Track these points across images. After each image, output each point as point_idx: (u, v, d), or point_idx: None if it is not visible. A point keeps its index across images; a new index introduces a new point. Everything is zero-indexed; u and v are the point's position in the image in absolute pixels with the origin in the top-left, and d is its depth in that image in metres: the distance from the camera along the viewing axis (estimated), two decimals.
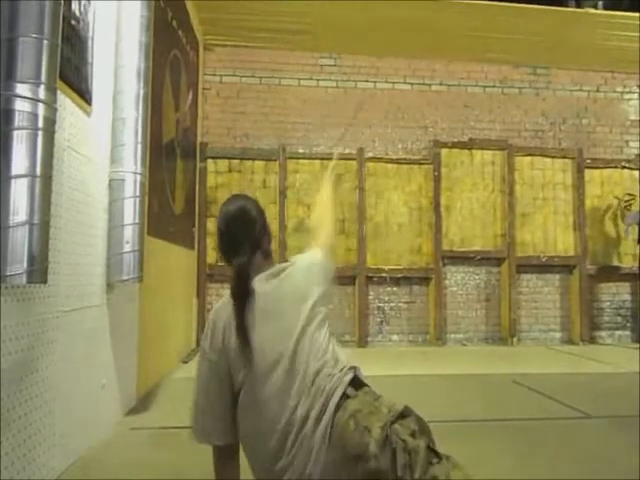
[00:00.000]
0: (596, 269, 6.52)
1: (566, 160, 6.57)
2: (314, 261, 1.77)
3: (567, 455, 2.51)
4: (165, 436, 2.76)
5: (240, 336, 1.58)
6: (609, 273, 6.59)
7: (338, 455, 1.43)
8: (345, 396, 1.50)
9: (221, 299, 1.73)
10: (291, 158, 6.15)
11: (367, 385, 1.60)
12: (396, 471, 1.33)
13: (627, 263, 6.56)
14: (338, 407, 1.48)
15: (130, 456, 2.48)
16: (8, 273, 1.57)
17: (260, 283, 1.66)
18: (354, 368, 1.60)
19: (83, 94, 2.47)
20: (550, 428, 2.97)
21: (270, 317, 1.61)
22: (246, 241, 1.69)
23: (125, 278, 2.79)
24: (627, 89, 6.96)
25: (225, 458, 1.68)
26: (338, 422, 1.45)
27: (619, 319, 6.70)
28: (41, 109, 1.67)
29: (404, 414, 1.44)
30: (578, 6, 6.17)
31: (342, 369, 1.58)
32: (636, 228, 6.17)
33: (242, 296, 1.61)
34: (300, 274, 1.71)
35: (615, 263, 6.61)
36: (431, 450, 1.37)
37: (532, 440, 2.73)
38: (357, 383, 1.57)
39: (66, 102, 2.26)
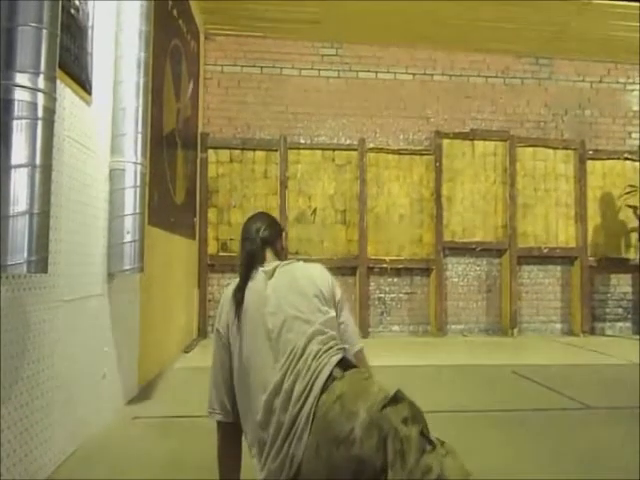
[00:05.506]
0: (602, 260, 6.52)
1: (568, 151, 6.55)
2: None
3: (566, 446, 2.52)
4: (166, 425, 2.78)
5: (238, 294, 1.71)
6: (613, 265, 6.59)
7: (321, 437, 1.41)
8: (332, 378, 1.51)
9: (229, 284, 1.84)
10: (292, 148, 6.13)
11: (356, 367, 1.60)
12: (384, 459, 1.30)
13: (631, 255, 6.56)
14: (324, 389, 1.48)
15: (131, 445, 2.50)
16: (9, 263, 1.58)
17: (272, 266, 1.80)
18: (343, 349, 1.62)
19: (83, 84, 2.47)
20: (549, 419, 2.98)
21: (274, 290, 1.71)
22: (259, 238, 1.86)
23: (126, 268, 2.80)
24: (630, 80, 6.91)
25: (226, 436, 1.75)
26: (323, 404, 1.46)
27: (620, 311, 6.70)
28: (40, 99, 1.66)
29: (396, 399, 1.39)
30: None
31: (331, 348, 1.59)
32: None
33: (249, 267, 1.78)
34: (323, 277, 1.79)
35: (620, 255, 6.60)
36: (424, 437, 1.32)
37: (531, 431, 2.74)
38: (346, 364, 1.57)
39: (66, 92, 2.25)
